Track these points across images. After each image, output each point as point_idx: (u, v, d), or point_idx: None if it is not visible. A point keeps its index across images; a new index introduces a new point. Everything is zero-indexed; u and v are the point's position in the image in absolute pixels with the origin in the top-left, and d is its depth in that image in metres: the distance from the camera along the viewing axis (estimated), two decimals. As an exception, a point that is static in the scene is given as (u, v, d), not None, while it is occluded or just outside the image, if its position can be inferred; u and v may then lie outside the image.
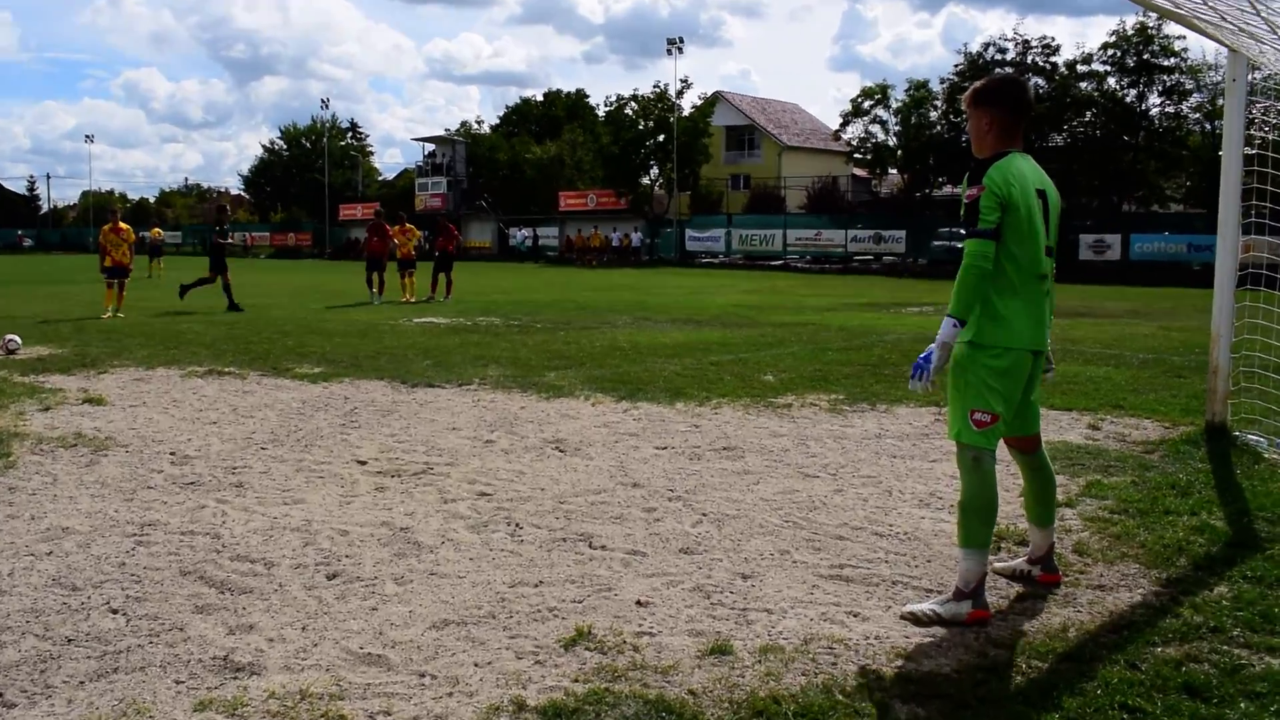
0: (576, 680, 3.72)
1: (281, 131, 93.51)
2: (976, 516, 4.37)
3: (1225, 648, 4.02)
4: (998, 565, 4.93)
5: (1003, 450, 4.63)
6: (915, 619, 4.34)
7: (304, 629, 4.22)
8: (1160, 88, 49.78)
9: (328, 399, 9.89)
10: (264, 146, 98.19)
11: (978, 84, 4.57)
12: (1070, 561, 5.11)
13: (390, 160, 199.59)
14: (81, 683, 3.72)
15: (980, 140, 4.50)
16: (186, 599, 4.57)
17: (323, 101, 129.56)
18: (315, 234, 78.67)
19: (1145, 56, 49.06)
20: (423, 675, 3.78)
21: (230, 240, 22.47)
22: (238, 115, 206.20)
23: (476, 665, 3.87)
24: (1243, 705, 3.51)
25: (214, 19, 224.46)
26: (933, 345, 4.33)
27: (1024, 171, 4.35)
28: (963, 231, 4.35)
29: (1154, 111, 50.31)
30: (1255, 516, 5.88)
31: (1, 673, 3.80)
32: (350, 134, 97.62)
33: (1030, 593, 4.70)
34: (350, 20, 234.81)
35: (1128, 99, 50.02)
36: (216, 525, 5.69)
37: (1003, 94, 4.47)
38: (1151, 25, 47.82)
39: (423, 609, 4.45)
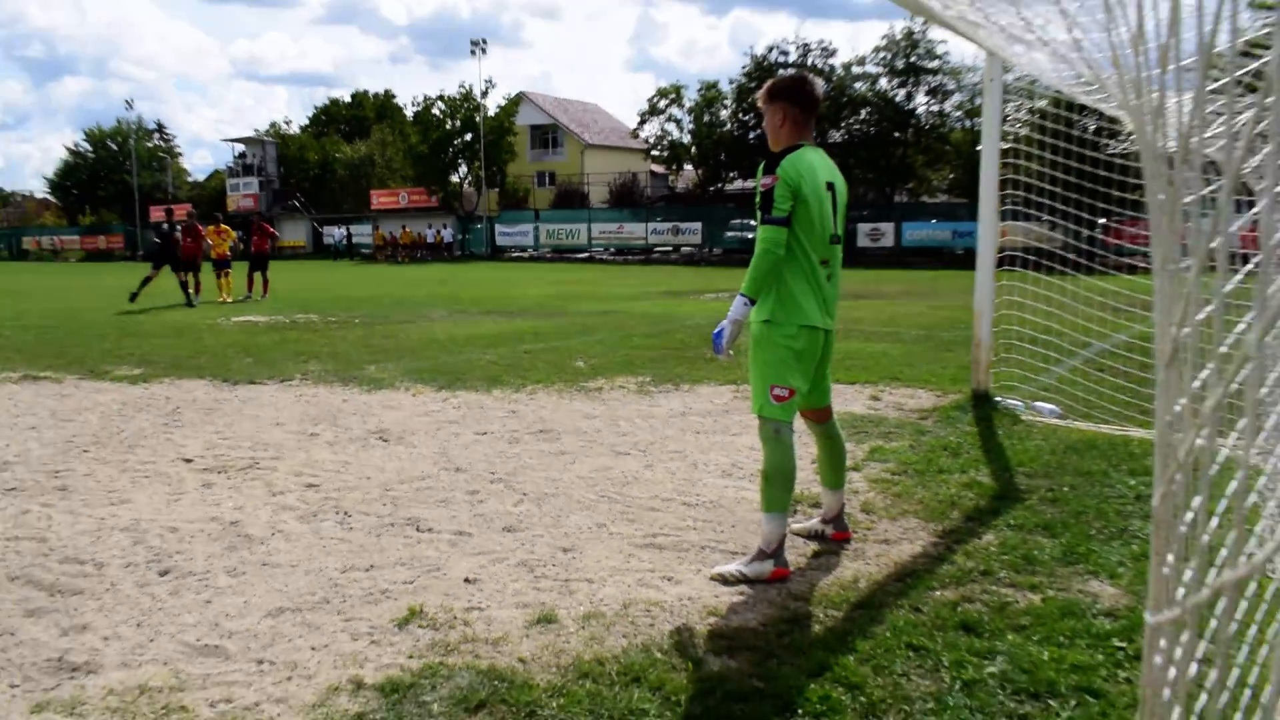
0: (411, 656, 3.72)
1: (86, 134, 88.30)
2: (777, 483, 4.53)
3: (994, 588, 4.32)
4: (795, 526, 5.15)
5: (799, 421, 4.83)
6: (723, 579, 4.49)
7: (139, 625, 4.07)
8: (926, 88, 52.08)
9: (149, 399, 9.46)
10: (68, 149, 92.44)
11: (771, 82, 4.71)
12: (859, 519, 5.37)
13: (200, 161, 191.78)
14: (-91, 693, 3.51)
15: (775, 134, 4.64)
16: (15, 604, 4.34)
17: (127, 102, 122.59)
18: (127, 236, 74.71)
19: (912, 59, 51.25)
20: (261, 662, 3.71)
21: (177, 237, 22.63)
22: (38, 116, 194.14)
23: (313, 649, 3.82)
24: (1010, 637, 3.78)
25: (7, 16, 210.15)
26: (725, 320, 4.48)
27: (814, 164, 4.53)
28: (757, 218, 4.51)
29: (921, 110, 52.65)
30: (1015, 471, 6.30)
31: None
32: (157, 135, 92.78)
33: (825, 550, 4.93)
34: (150, 19, 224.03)
35: (897, 98, 52.15)
36: (42, 529, 5.40)
37: (794, 90, 4.62)
38: (917, 30, 49.98)
39: (257, 599, 4.35)
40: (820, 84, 4.76)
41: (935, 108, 52.55)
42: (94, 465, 6.86)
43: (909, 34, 50.58)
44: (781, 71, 51.56)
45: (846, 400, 8.75)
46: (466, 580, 4.54)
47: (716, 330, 4.51)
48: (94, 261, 67.12)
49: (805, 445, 5.76)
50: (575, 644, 3.82)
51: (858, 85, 52.42)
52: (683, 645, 3.80)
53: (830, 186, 4.60)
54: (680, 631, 3.94)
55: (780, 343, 4.50)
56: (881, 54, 52.12)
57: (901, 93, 52.21)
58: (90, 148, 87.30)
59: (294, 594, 4.40)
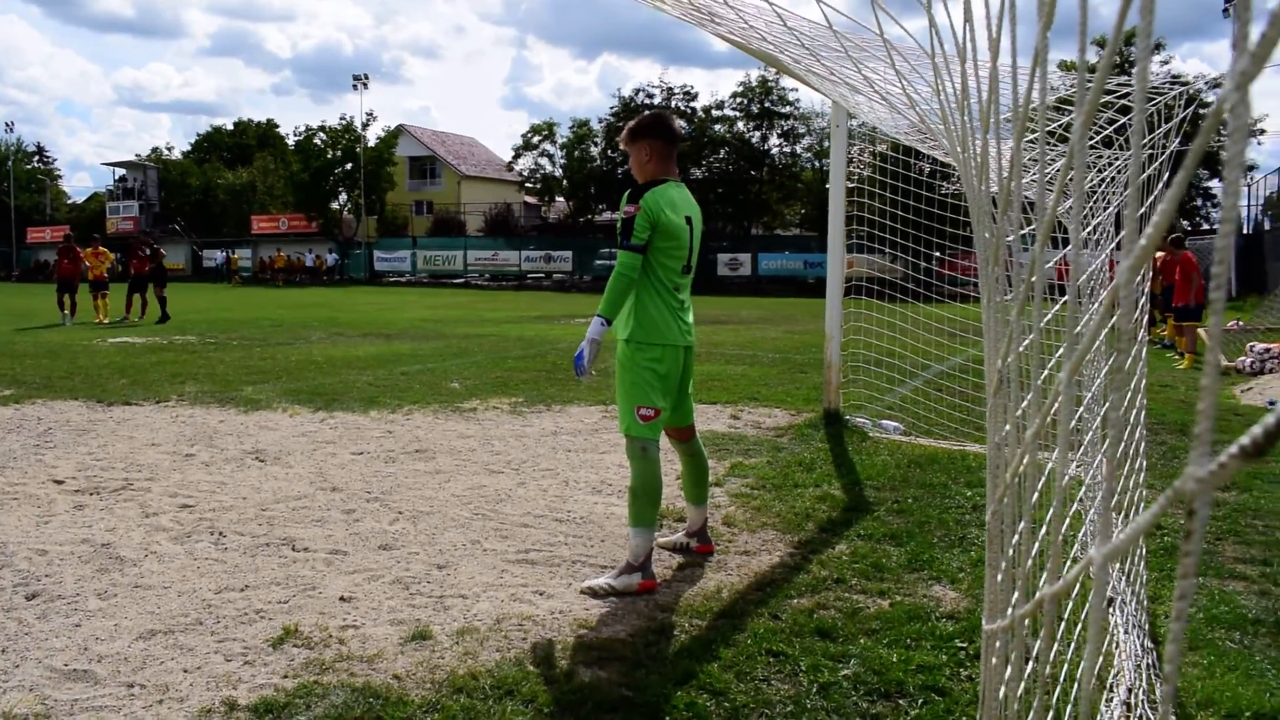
0: (286, 676, 3.58)
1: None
2: (644, 499, 4.54)
3: (847, 595, 4.40)
4: (661, 540, 5.15)
5: (664, 440, 4.84)
6: (593, 592, 4.46)
7: (3, 651, 3.82)
8: (779, 131, 53.30)
9: (20, 420, 8.96)
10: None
11: (632, 123, 4.76)
12: (721, 532, 5.40)
13: (79, 184, 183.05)
14: None
15: (641, 169, 4.68)
16: None
17: (7, 125, 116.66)
18: (2, 257, 71.08)
19: (766, 104, 52.42)
20: (131, 685, 3.52)
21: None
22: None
23: (186, 671, 3.64)
24: (862, 641, 3.85)
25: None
26: (584, 342, 4.49)
27: (675, 199, 4.57)
28: (617, 244, 4.54)
29: (774, 150, 53.83)
30: (865, 485, 6.44)
31: None
32: (37, 158, 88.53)
33: (690, 562, 4.95)
34: (34, 45, 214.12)
35: (753, 139, 53.23)
36: (-98, 554, 5.05)
37: (655, 127, 4.67)
38: (771, 78, 51.11)
39: (128, 621, 4.14)
40: (678, 120, 4.83)
41: (788, 149, 53.91)
42: (-39, 488, 6.45)
43: (763, 81, 51.76)
44: (645, 111, 52.37)
45: (708, 419, 8.83)
46: (342, 598, 4.40)
47: (577, 353, 4.51)
48: (-34, 282, 63.57)
49: (670, 462, 5.79)
50: (449, 659, 3.74)
51: (717, 127, 53.30)
52: (554, 658, 3.75)
53: (689, 220, 4.64)
54: (552, 644, 3.89)
55: (644, 365, 4.52)
56: (739, 99, 53.19)
57: (757, 135, 53.35)
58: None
59: (166, 616, 4.20)
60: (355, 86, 59.15)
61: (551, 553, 5.10)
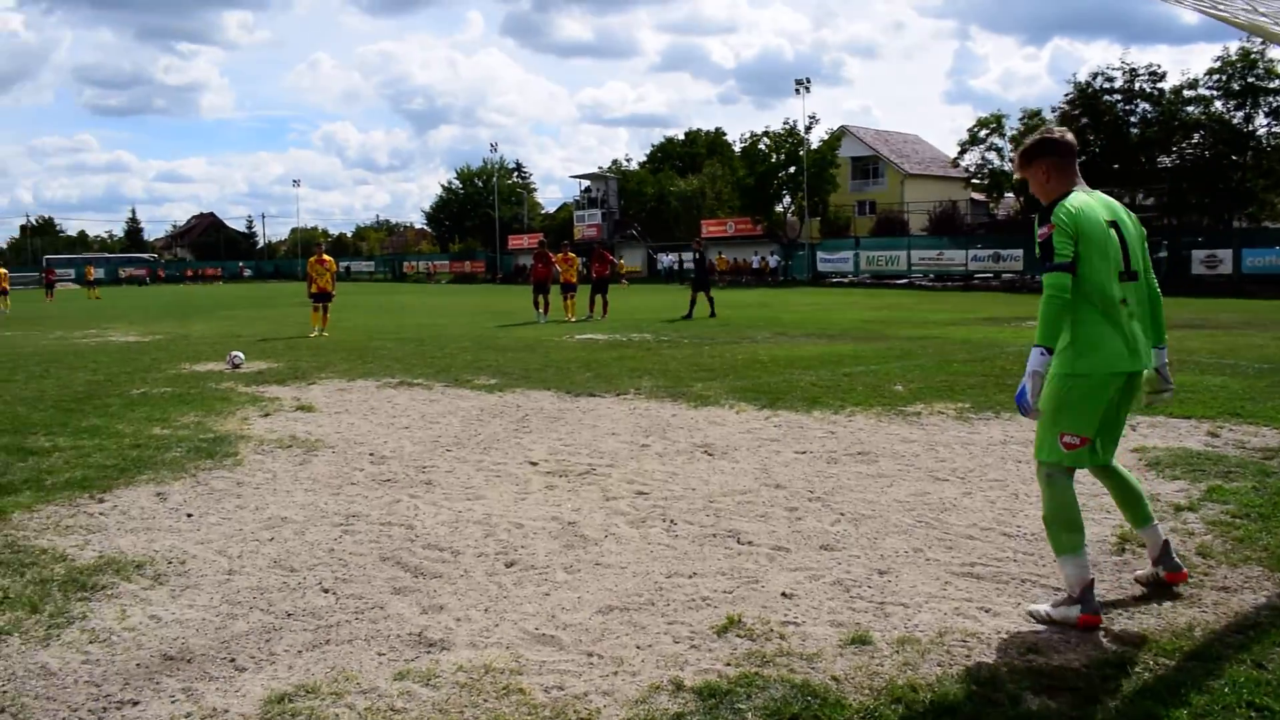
0: (729, 664, 3.69)
1: (457, 173, 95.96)
2: (1057, 526, 4.22)
3: (1351, 649, 3.76)
4: (1136, 575, 4.68)
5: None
6: (1035, 617, 4.19)
7: (486, 611, 4.30)
8: (1267, 109, 47.10)
9: (502, 407, 10.06)
10: (442, 186, 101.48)
11: (1019, 150, 4.49)
12: (1194, 564, 4.85)
13: (550, 195, 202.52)
14: (300, 652, 3.86)
15: (1043, 190, 4.36)
16: (386, 582, 4.70)
17: (491, 145, 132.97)
18: (488, 262, 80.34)
19: (1250, 80, 46.52)
20: (591, 655, 3.80)
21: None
22: (418, 159, 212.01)
23: (638, 648, 3.87)
24: (1370, 704, 3.28)
25: (395, 77, 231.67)
26: (1024, 377, 4.16)
27: (1089, 203, 4.20)
28: (1042, 267, 4.19)
29: (1261, 131, 47.62)
30: (1377, 521, 5.50)
31: (234, 640, 3.98)
32: (516, 173, 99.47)
33: (1157, 593, 4.47)
34: (511, 74, 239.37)
35: (1234, 120, 47.49)
36: (410, 517, 5.85)
37: (1044, 146, 4.35)
38: (1254, 50, 45.36)
39: (590, 595, 4.49)
40: (1067, 132, 4.42)
41: (1278, 129, 47.43)
42: (455, 464, 7.36)
43: (1245, 54, 45.93)
44: (1106, 98, 48.56)
45: (1180, 435, 8.00)
46: (784, 594, 4.47)
47: (1019, 390, 4.18)
48: (461, 284, 72.67)
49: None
50: (889, 667, 3.66)
51: (1190, 109, 48.12)
52: (999, 680, 3.54)
53: (1114, 224, 4.22)
54: (997, 666, 3.68)
55: (1075, 388, 4.15)
56: (1215, 75, 47.62)
57: (1239, 115, 47.45)
58: (460, 185, 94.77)
59: (622, 594, 4.50)
60: (797, 90, 60.15)
61: (999, 568, 4.85)
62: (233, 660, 3.79)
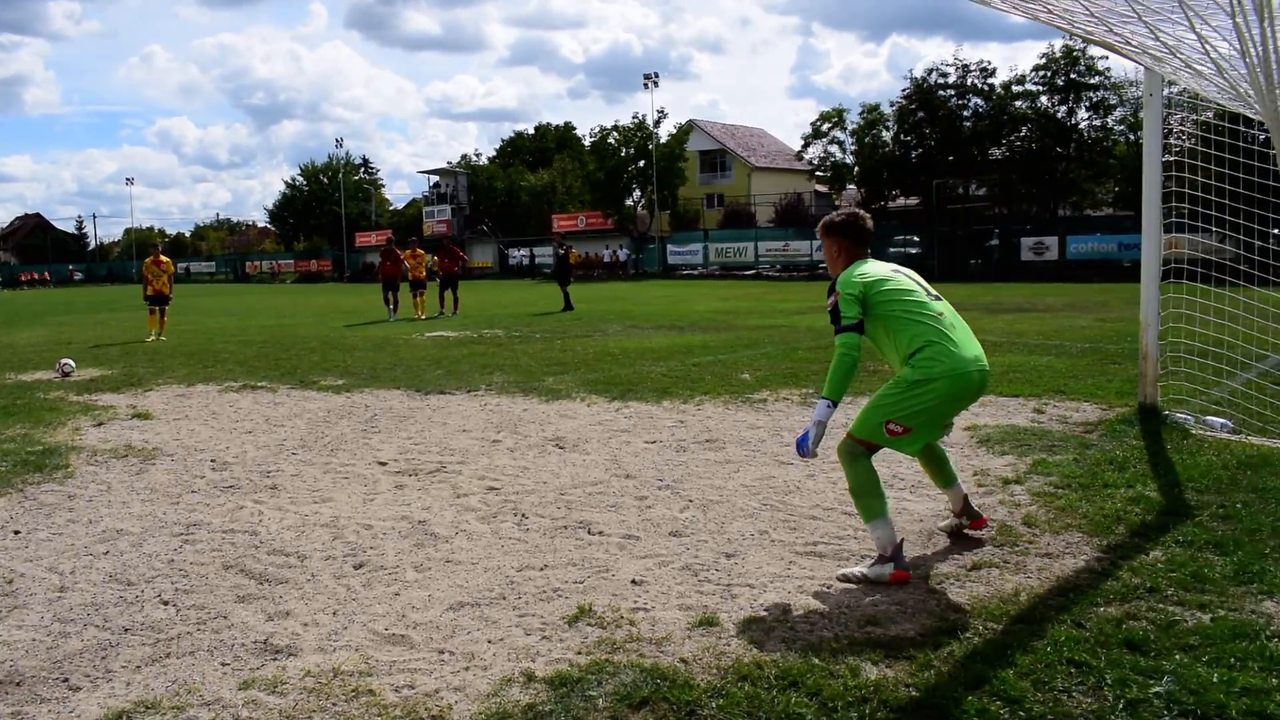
0: (580, 653, 3.74)
1: (301, 169, 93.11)
2: (864, 497, 4.62)
3: (1161, 606, 4.05)
4: (940, 525, 5.17)
5: None
6: (847, 579, 4.50)
7: (334, 614, 4.24)
8: (1088, 103, 49.84)
9: (350, 408, 9.87)
10: (286, 183, 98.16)
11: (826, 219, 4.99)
12: (1020, 533, 5.14)
13: (399, 191, 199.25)
14: (138, 667, 3.74)
15: (833, 263, 4.92)
16: (229, 590, 4.58)
17: (337, 141, 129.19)
18: (335, 260, 78.47)
19: (1073, 76, 49.14)
20: (442, 652, 3.80)
21: None
22: (260, 156, 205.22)
23: (490, 642, 3.89)
24: (1177, 657, 3.53)
25: (235, 70, 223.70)
26: (809, 425, 4.66)
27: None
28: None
29: (1083, 125, 50.36)
30: (1185, 487, 5.91)
31: (67, 660, 3.82)
32: (362, 169, 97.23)
33: (985, 562, 4.72)
34: (356, 68, 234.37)
35: (1059, 114, 50.09)
36: (254, 523, 5.70)
37: (847, 227, 4.88)
38: (1077, 48, 47.91)
39: (440, 593, 4.47)
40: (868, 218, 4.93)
41: (1098, 122, 50.26)
42: (301, 467, 7.20)
43: (1069, 51, 48.52)
44: (941, 93, 50.57)
45: (1009, 413, 8.43)
46: (634, 582, 4.55)
47: (802, 435, 4.69)
48: (306, 283, 70.70)
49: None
50: (735, 647, 3.77)
51: (1018, 103, 50.58)
52: (840, 653, 3.69)
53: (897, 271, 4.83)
54: (838, 639, 3.83)
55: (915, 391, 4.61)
56: (1041, 72, 50.17)
57: (1063, 109, 50.10)
58: (305, 182, 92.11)
59: (474, 589, 4.50)
60: (646, 85, 60.59)
61: (840, 546, 5.04)
62: (66, 680, 3.64)
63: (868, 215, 4.94)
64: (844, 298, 4.64)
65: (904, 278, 4.77)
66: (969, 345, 4.63)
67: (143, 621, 4.21)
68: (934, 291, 4.80)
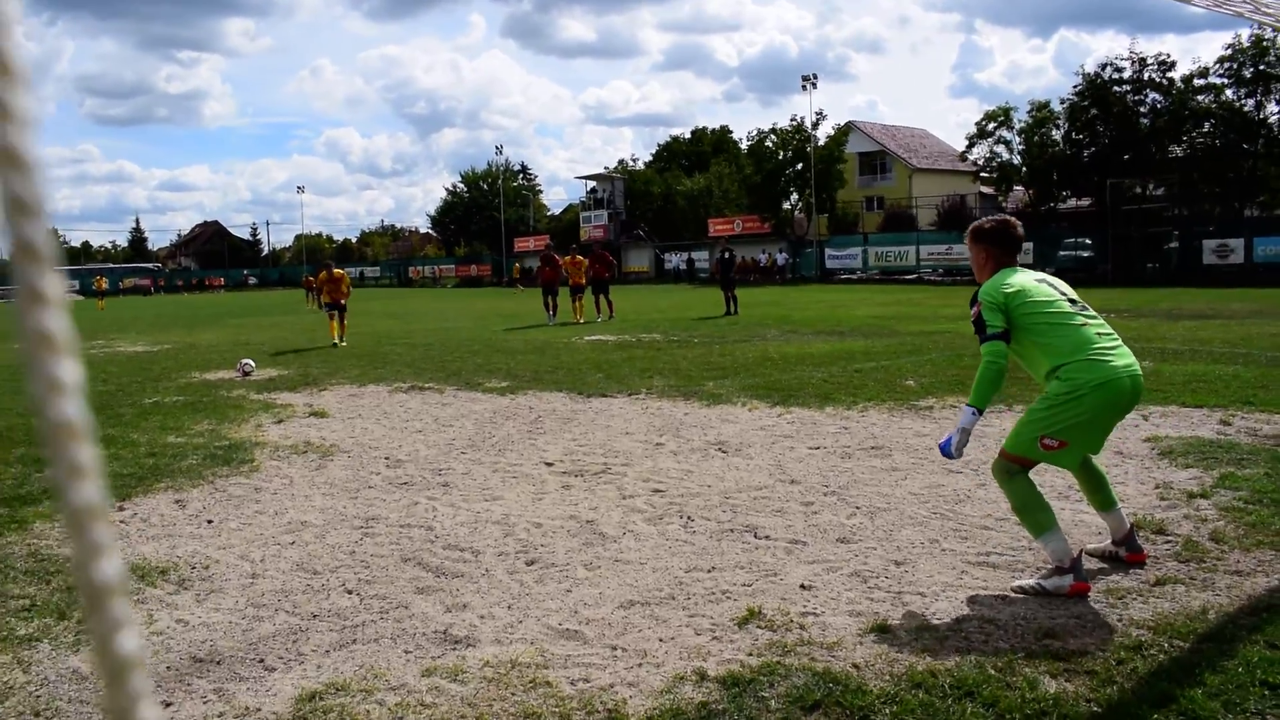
0: (751, 654, 3.78)
1: (462, 176, 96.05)
2: (1028, 513, 4.54)
3: (1366, 629, 3.83)
4: (1089, 548, 4.94)
5: None
6: (1022, 591, 4.41)
7: (509, 608, 4.39)
8: (1278, 96, 46.93)
9: (515, 409, 10.15)
10: (447, 190, 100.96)
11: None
12: (1207, 549, 4.92)
13: (556, 197, 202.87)
14: (327, 651, 3.96)
15: (979, 270, 4.91)
16: (408, 582, 4.80)
17: (496, 148, 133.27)
18: (494, 265, 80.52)
19: (1261, 67, 46.37)
20: (614, 648, 3.89)
21: None
22: (422, 164, 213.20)
23: (661, 640, 3.96)
24: (1385, 683, 3.34)
25: (398, 81, 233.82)
26: (954, 430, 4.68)
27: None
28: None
29: (1273, 119, 47.40)
30: (1393, 505, 5.55)
31: (261, 642, 4.07)
32: (521, 175, 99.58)
33: (1170, 578, 4.54)
34: (514, 76, 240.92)
35: (1245, 108, 47.34)
36: (429, 519, 5.94)
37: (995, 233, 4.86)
38: (1266, 38, 45.20)
39: (611, 591, 4.57)
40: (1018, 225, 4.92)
41: (1290, 116, 47.24)
42: (470, 465, 7.45)
43: (1258, 41, 45.73)
44: (1115, 89, 48.46)
45: (1193, 424, 8.06)
46: (802, 586, 4.56)
47: (945, 440, 4.71)
48: (467, 287, 72.83)
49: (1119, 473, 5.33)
50: (908, 654, 3.74)
51: (1200, 98, 47.98)
52: (1017, 665, 3.62)
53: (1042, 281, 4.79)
54: (1015, 651, 3.76)
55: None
56: (1226, 64, 47.44)
57: (1250, 103, 47.28)
58: (465, 188, 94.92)
59: (643, 589, 4.59)
60: (803, 87, 60.02)
61: (1014, 558, 4.93)
62: (261, 661, 3.89)
63: (1018, 222, 4.92)
64: (987, 307, 4.64)
65: (1048, 288, 4.71)
66: (1118, 353, 4.49)
67: (329, 609, 4.46)
68: (1080, 301, 4.73)
